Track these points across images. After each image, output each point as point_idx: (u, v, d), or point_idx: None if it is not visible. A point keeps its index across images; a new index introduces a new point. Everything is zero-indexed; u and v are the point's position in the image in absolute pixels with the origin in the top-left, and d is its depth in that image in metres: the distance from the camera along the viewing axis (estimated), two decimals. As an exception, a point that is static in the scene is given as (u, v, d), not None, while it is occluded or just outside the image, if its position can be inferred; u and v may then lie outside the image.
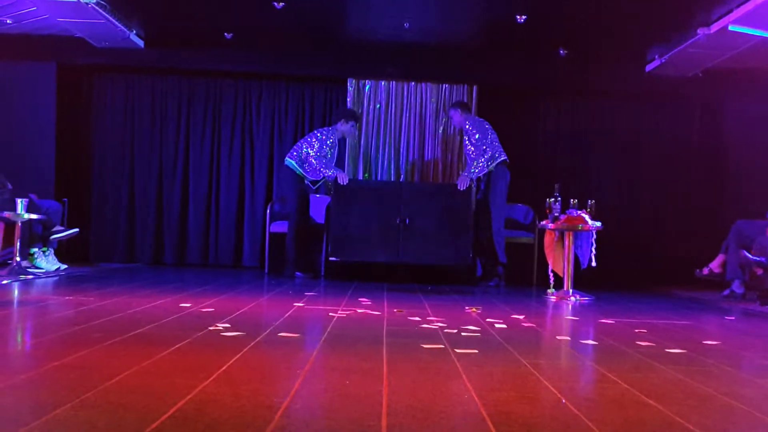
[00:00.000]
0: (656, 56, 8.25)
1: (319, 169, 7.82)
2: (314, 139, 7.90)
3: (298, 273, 7.87)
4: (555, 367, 3.19)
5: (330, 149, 7.90)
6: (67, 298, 5.00)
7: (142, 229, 9.10)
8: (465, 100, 8.69)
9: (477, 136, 7.77)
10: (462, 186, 7.73)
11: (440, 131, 8.83)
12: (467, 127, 7.90)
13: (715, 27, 7.00)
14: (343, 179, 7.78)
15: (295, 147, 8.05)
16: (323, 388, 2.47)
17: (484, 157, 7.72)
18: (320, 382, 2.55)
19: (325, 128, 8.12)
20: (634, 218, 8.92)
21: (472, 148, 7.80)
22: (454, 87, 8.90)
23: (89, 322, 3.70)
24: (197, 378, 2.42)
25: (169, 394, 2.18)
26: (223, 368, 2.61)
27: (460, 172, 8.22)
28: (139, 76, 9.16)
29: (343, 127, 8.01)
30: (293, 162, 7.92)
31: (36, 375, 2.45)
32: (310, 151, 7.85)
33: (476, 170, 7.74)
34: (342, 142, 8.45)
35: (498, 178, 7.76)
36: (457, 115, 8.03)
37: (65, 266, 7.36)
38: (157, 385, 2.33)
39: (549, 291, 6.70)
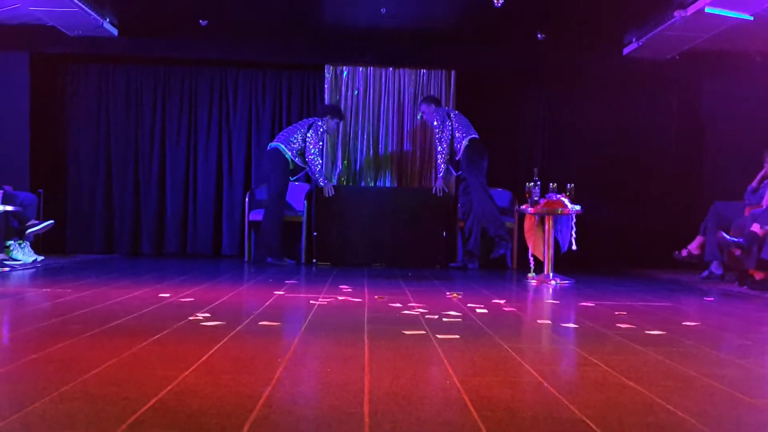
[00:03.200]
0: (633, 39, 8.24)
1: (316, 172, 8.01)
2: (315, 137, 7.98)
3: (275, 260, 7.83)
4: (536, 350, 3.22)
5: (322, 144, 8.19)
6: (44, 290, 4.97)
7: (119, 220, 8.99)
8: (443, 85, 8.73)
9: (437, 133, 8.09)
10: (437, 191, 8.16)
11: (419, 117, 8.79)
12: (434, 123, 8.13)
13: (691, 9, 7.00)
14: (329, 192, 8.07)
15: (289, 135, 8.05)
16: (305, 376, 2.47)
17: (440, 155, 8.06)
18: (302, 370, 2.55)
19: (315, 121, 8.07)
20: (613, 201, 8.90)
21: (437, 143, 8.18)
22: (433, 72, 8.85)
23: (67, 314, 3.67)
24: (178, 368, 2.40)
25: (150, 385, 2.17)
26: (204, 358, 2.60)
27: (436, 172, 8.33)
28: (113, 64, 9.02)
29: (330, 122, 8.12)
30: (283, 146, 7.90)
31: (14, 368, 2.43)
32: (312, 148, 7.97)
33: (438, 171, 8.13)
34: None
35: (469, 157, 7.87)
36: (429, 110, 8.20)
37: (42, 258, 7.28)
38: (137, 377, 2.31)
39: (529, 275, 6.72)
